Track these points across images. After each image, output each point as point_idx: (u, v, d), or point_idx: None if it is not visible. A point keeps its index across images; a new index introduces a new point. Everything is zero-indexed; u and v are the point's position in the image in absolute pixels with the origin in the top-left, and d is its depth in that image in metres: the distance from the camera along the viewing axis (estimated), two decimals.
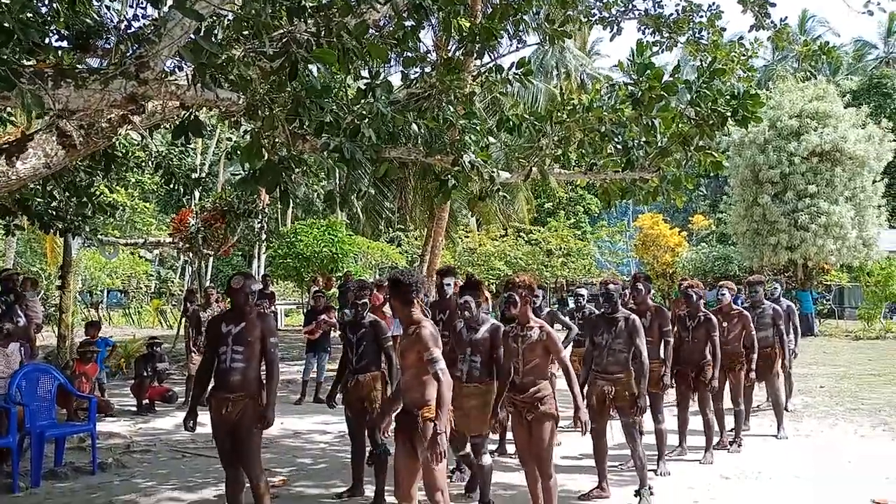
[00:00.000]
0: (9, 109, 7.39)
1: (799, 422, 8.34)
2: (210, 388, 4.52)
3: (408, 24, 5.70)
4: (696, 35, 8.38)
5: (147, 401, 9.19)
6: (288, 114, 4.62)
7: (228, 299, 4.66)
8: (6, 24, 3.41)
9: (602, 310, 5.58)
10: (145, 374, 9.30)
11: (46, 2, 5.25)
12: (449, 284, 6.26)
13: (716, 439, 6.77)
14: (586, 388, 5.34)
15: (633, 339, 5.22)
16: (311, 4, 4.38)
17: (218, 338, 4.43)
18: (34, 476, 5.89)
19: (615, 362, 5.29)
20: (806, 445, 7.25)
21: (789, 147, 19.67)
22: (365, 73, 5.33)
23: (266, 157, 5.02)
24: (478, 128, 6.04)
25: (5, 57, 3.29)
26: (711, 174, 7.72)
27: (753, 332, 7.01)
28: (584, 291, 8.20)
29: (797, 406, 9.10)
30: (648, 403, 5.59)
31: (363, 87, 5.17)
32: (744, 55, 8.18)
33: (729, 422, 7.11)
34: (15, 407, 5.97)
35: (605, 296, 5.43)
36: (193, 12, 3.55)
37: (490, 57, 6.50)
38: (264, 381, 4.46)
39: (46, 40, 4.74)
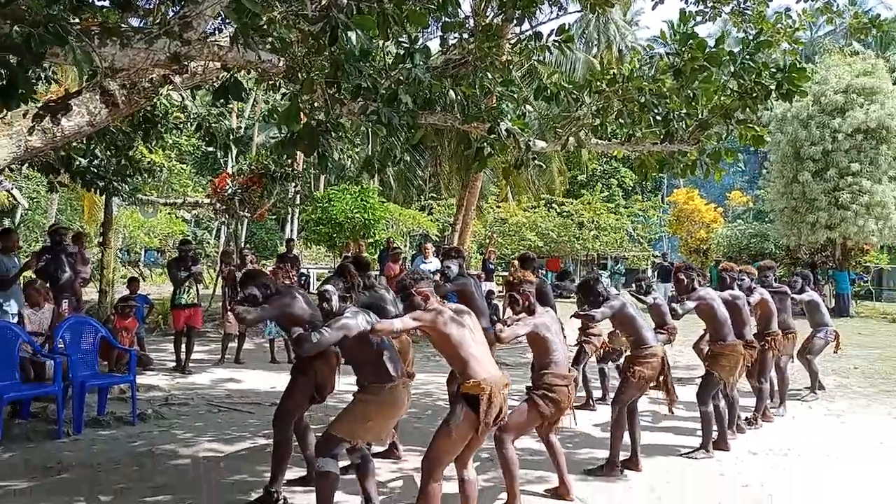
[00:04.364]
0: (54, 68, 7.53)
1: (832, 402, 8.27)
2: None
3: None
4: (741, 5, 8.13)
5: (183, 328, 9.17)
6: (326, 77, 4.64)
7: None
8: None
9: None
10: (180, 275, 9.18)
11: None
12: (449, 266, 6.35)
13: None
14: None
15: None
16: None
17: None
18: (76, 423, 6.13)
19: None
20: (838, 425, 7.20)
21: (833, 123, 19.16)
22: (403, 39, 5.32)
23: (304, 121, 5.07)
24: (515, 96, 6.00)
25: (55, 13, 3.36)
26: (752, 149, 7.59)
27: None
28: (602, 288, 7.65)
29: (829, 386, 9.03)
30: None
31: (401, 52, 5.16)
32: (790, 27, 7.93)
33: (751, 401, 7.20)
34: (60, 357, 6.20)
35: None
36: None
37: (529, 24, 6.40)
38: None
39: None
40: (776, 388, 7.70)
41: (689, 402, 7.05)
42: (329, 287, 4.26)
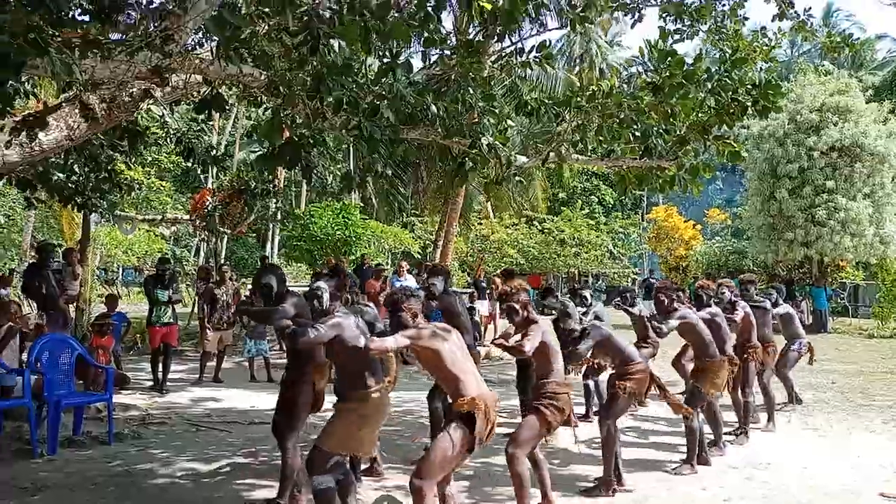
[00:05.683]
0: (33, 82, 7.45)
1: (809, 416, 8.32)
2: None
3: (429, 4, 5.69)
4: (719, 24, 8.28)
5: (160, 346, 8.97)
6: (308, 91, 4.64)
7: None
8: None
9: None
10: (156, 294, 8.95)
11: None
12: (434, 284, 6.35)
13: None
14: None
15: None
16: None
17: None
18: (51, 443, 6.00)
19: None
20: (815, 439, 7.25)
21: (808, 141, 19.48)
22: (385, 54, 5.34)
23: (286, 136, 5.06)
24: (496, 111, 6.04)
25: (35, 24, 3.33)
26: (729, 165, 7.70)
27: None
28: (588, 293, 7.75)
29: (807, 400, 9.09)
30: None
31: (383, 67, 5.18)
32: (766, 45, 8.09)
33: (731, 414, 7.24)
34: (30, 374, 6.08)
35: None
36: None
37: (510, 41, 6.47)
38: None
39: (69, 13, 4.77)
40: (760, 403, 7.73)
41: (670, 418, 7.07)
42: (321, 283, 4.26)
